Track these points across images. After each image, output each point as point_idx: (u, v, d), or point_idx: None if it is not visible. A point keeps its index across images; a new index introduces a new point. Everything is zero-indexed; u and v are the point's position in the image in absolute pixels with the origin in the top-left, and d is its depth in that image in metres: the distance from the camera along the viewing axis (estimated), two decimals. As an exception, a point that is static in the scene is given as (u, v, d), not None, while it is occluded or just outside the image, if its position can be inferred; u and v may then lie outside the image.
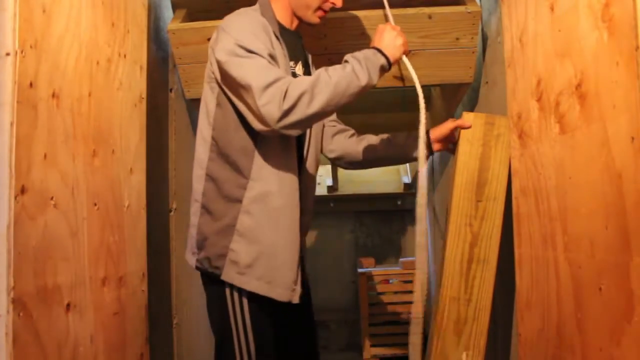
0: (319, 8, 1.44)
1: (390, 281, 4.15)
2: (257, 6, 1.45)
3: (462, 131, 1.58)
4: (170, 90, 2.11)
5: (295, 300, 1.34)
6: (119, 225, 1.52)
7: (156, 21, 2.01)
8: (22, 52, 1.08)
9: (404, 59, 1.41)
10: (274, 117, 1.21)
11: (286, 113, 1.21)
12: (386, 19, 1.63)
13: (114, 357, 1.45)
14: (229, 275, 1.32)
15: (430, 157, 3.77)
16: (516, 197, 1.53)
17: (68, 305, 1.22)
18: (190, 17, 2.04)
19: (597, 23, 1.08)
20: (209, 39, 1.92)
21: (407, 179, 4.41)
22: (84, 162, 1.33)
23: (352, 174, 4.22)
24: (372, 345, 4.11)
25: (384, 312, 4.12)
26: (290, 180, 1.37)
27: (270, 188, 1.34)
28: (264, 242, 1.32)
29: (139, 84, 1.70)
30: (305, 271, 1.50)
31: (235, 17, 1.37)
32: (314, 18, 1.45)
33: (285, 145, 1.37)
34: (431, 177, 3.73)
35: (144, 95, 1.73)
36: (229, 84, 1.30)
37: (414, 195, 4.57)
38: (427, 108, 3.03)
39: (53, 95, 1.20)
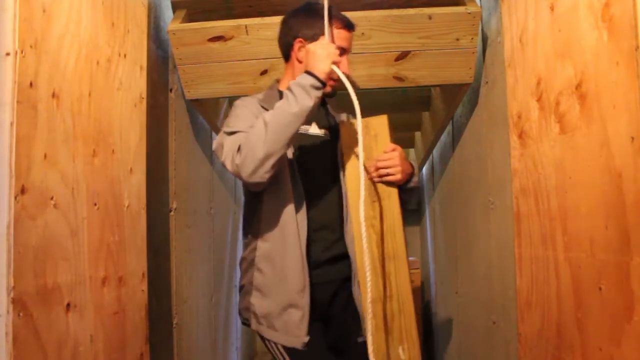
0: (329, 79, 1.49)
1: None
2: (262, 92, 1.61)
3: (342, 140, 1.57)
4: (170, 90, 2.11)
5: (298, 346, 1.44)
6: (119, 225, 1.52)
7: (156, 21, 2.01)
8: (22, 52, 1.08)
9: (335, 68, 1.39)
10: (237, 173, 1.36)
11: (242, 166, 1.35)
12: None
13: (114, 357, 1.45)
14: (254, 324, 1.50)
15: (431, 156, 3.78)
16: (516, 197, 1.53)
17: (68, 305, 1.22)
18: (190, 18, 2.04)
19: (597, 23, 1.08)
20: (209, 40, 1.94)
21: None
22: (84, 162, 1.33)
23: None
24: (372, 346, 4.11)
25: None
26: (292, 237, 1.45)
27: (273, 246, 1.47)
28: (271, 296, 1.47)
29: (139, 84, 1.70)
30: (351, 315, 1.55)
31: (231, 109, 1.53)
32: (325, 88, 1.52)
33: (281, 205, 1.46)
34: (431, 177, 3.73)
35: (144, 95, 1.73)
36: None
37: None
38: (427, 108, 3.04)
39: (53, 95, 1.20)
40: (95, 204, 1.38)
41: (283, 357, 1.47)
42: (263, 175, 1.34)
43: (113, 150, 1.50)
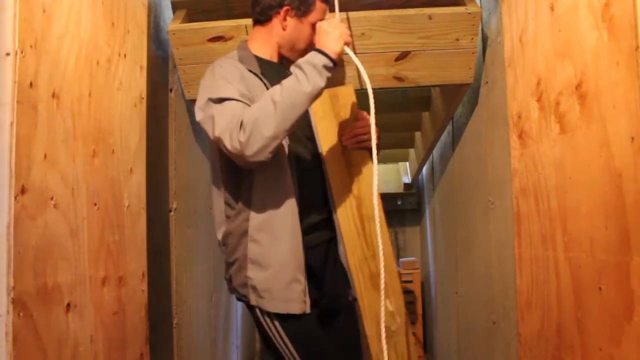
0: (304, 50, 1.54)
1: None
2: (235, 51, 1.55)
3: (314, 111, 1.61)
4: (170, 90, 2.11)
5: (307, 310, 1.43)
6: (119, 225, 1.52)
7: (156, 21, 2.01)
8: (22, 52, 1.08)
9: (347, 49, 1.41)
10: (240, 151, 1.28)
11: (247, 144, 1.27)
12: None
13: (114, 357, 1.45)
14: (255, 300, 1.44)
15: (431, 156, 3.78)
16: (516, 197, 1.54)
17: (68, 305, 1.22)
18: (191, 18, 2.04)
19: (597, 23, 1.08)
20: (209, 40, 1.93)
21: (407, 179, 4.42)
22: (84, 162, 1.33)
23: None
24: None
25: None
26: (288, 203, 1.44)
27: (269, 215, 1.43)
28: (273, 266, 1.42)
29: (139, 84, 1.70)
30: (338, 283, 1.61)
31: (209, 71, 1.44)
32: (296, 58, 1.55)
33: (277, 172, 1.43)
34: (431, 177, 3.73)
35: (144, 95, 1.73)
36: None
37: (414, 195, 4.58)
38: (427, 108, 3.04)
39: (53, 95, 1.20)
40: (95, 204, 1.38)
41: (278, 333, 1.43)
42: (267, 155, 1.29)
43: (113, 150, 1.50)
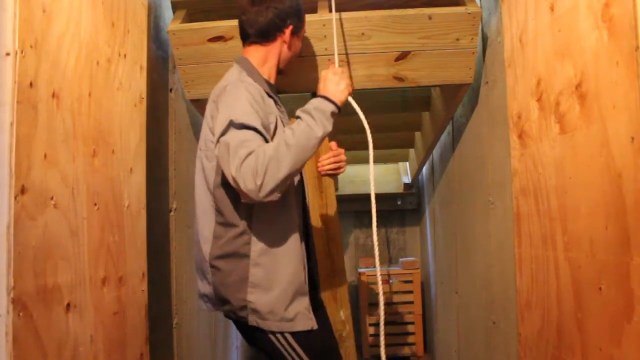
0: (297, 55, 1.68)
1: (390, 281, 4.15)
2: (240, 69, 1.52)
3: None
4: (170, 90, 2.11)
5: (315, 326, 1.45)
6: (119, 225, 1.52)
7: (156, 21, 2.01)
8: (22, 52, 1.08)
9: (350, 99, 1.53)
10: (254, 192, 1.30)
11: (261, 186, 1.29)
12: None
13: (114, 357, 1.45)
14: (255, 321, 1.44)
15: (431, 156, 3.79)
16: (516, 197, 1.54)
17: (68, 305, 1.22)
18: (191, 18, 2.04)
19: (597, 23, 1.08)
20: (209, 40, 1.93)
21: (407, 179, 4.42)
22: (84, 162, 1.33)
23: (353, 174, 4.22)
24: (372, 345, 4.11)
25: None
26: (292, 225, 1.47)
27: (273, 239, 1.44)
28: (277, 288, 1.43)
29: (139, 84, 1.70)
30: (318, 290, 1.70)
31: (233, 90, 1.41)
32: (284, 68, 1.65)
33: (283, 198, 1.41)
34: (431, 177, 3.73)
35: (144, 95, 1.73)
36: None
37: (414, 195, 4.59)
38: (427, 108, 3.04)
39: (53, 95, 1.20)
40: (95, 204, 1.38)
41: (293, 349, 1.44)
42: (278, 194, 1.32)
43: (113, 150, 1.50)
